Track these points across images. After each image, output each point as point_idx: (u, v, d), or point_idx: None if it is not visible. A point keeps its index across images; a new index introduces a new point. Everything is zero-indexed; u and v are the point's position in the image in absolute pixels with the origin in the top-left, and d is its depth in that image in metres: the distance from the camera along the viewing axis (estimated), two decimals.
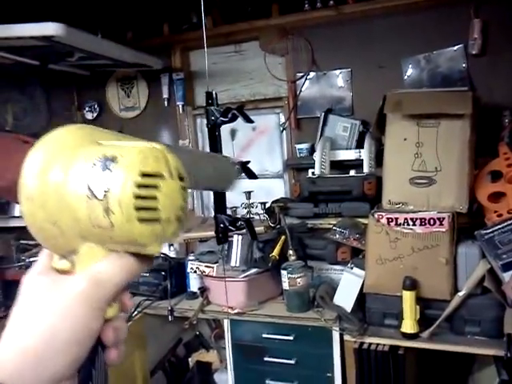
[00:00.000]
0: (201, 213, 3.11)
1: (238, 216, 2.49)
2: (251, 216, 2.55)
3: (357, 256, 2.26)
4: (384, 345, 2.01)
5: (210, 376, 2.69)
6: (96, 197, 0.41)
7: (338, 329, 2.07)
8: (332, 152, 2.51)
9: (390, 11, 2.48)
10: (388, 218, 2.03)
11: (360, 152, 2.47)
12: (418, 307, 1.92)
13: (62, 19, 2.06)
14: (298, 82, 2.75)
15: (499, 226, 1.86)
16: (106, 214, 0.41)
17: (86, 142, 0.44)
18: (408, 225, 2.00)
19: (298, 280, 2.17)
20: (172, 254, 2.68)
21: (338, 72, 2.68)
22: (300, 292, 2.18)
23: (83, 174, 0.42)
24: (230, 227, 1.36)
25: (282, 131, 2.84)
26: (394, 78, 2.51)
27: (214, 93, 1.35)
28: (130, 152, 0.42)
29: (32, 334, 0.41)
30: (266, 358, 2.22)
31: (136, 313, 2.35)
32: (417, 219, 1.98)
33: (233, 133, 2.94)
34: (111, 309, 0.45)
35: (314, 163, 2.47)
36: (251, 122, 1.35)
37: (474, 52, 2.35)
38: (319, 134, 2.62)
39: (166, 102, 3.04)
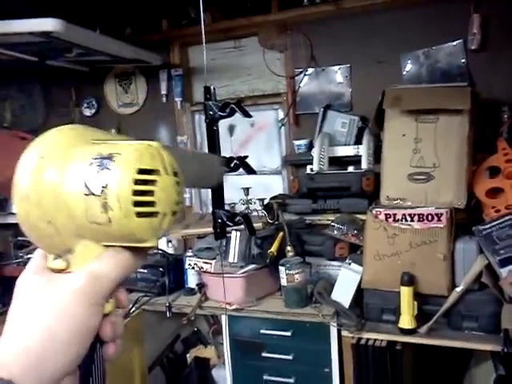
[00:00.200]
0: (199, 209, 3.11)
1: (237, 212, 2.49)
2: (249, 211, 2.54)
3: (355, 252, 2.26)
4: (382, 340, 2.01)
5: (208, 372, 2.70)
6: (93, 193, 0.42)
7: (335, 324, 2.07)
8: (330, 148, 2.51)
9: (389, 6, 2.47)
10: (386, 214, 2.03)
11: (358, 148, 2.46)
12: (415, 303, 1.92)
13: (61, 15, 2.06)
14: (296, 78, 2.75)
15: (497, 222, 1.86)
16: (104, 210, 0.42)
17: (79, 142, 0.45)
18: (406, 221, 2.00)
19: (296, 276, 2.17)
20: (170, 250, 2.68)
21: (336, 68, 2.67)
22: (298, 288, 2.18)
23: (80, 173, 0.42)
24: (228, 222, 1.37)
25: (281, 127, 2.84)
26: (393, 73, 2.51)
27: (212, 87, 1.34)
28: (126, 150, 0.43)
29: (32, 335, 0.41)
30: (263, 354, 2.22)
31: (134, 309, 2.35)
32: (415, 215, 1.98)
33: (231, 129, 2.93)
34: (108, 304, 0.45)
35: (313, 159, 2.47)
36: (249, 116, 1.35)
37: (473, 47, 2.34)
38: (318, 130, 2.62)
39: (164, 98, 3.04)
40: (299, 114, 2.77)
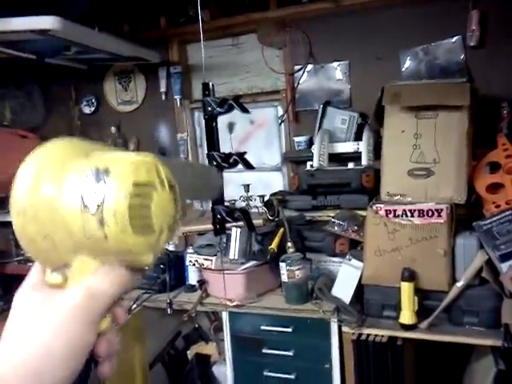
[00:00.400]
0: (199, 206, 3.11)
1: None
2: (249, 208, 2.54)
3: (355, 248, 2.26)
4: (382, 336, 2.02)
5: (208, 368, 2.70)
6: (90, 209, 0.41)
7: (336, 320, 2.08)
8: (330, 144, 2.51)
9: (388, 3, 2.47)
10: (386, 210, 2.03)
11: (358, 144, 2.46)
12: (416, 298, 1.93)
13: (59, 13, 2.05)
14: (295, 75, 2.74)
15: (497, 217, 1.87)
16: (101, 226, 0.41)
17: (75, 155, 0.44)
18: (406, 216, 2.00)
19: (297, 272, 2.17)
20: (171, 247, 2.69)
21: (335, 64, 2.67)
22: (298, 284, 2.19)
23: (76, 187, 0.42)
24: (227, 218, 1.37)
25: (280, 124, 2.84)
26: (392, 70, 2.50)
27: (210, 84, 1.35)
28: (122, 163, 0.43)
29: (29, 349, 0.41)
30: (264, 350, 2.23)
31: (135, 306, 2.35)
32: (415, 211, 1.98)
33: (231, 126, 2.93)
34: (104, 321, 0.45)
35: (313, 156, 2.47)
36: (247, 112, 1.35)
37: (472, 44, 2.34)
38: (317, 126, 2.62)
39: (163, 96, 3.03)
40: (299, 111, 2.77)
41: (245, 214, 1.39)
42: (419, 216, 1.97)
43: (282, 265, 2.19)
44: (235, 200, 2.65)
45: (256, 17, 2.71)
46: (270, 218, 2.46)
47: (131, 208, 0.42)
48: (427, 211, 1.96)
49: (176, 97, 2.98)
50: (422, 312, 1.95)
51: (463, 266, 1.94)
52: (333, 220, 2.29)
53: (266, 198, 2.57)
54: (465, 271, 1.91)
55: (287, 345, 2.20)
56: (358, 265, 2.13)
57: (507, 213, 1.86)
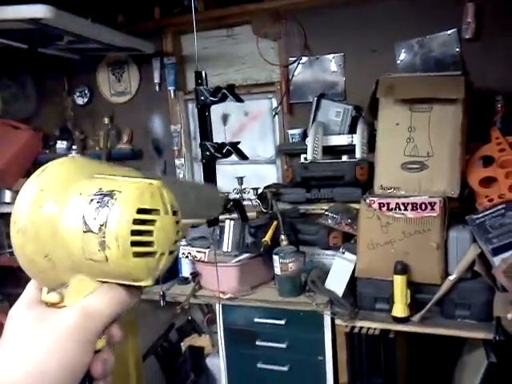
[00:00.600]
0: None
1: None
2: (243, 200, 2.54)
3: (348, 241, 2.26)
4: (375, 329, 2.02)
5: (202, 360, 2.71)
6: (91, 230, 0.42)
7: (329, 313, 2.08)
8: (324, 137, 2.50)
9: None
10: (380, 203, 2.03)
11: (352, 137, 2.46)
12: (408, 291, 1.93)
13: (51, 1, 2.03)
14: (290, 67, 2.73)
15: (490, 211, 1.87)
16: (101, 248, 0.42)
17: (80, 175, 0.44)
18: (400, 210, 2.00)
19: (290, 265, 2.17)
20: None
21: (330, 56, 2.66)
22: (292, 277, 2.19)
23: (79, 208, 0.42)
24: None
25: (274, 116, 2.82)
26: (387, 62, 2.50)
27: (203, 73, 1.34)
28: (127, 188, 0.43)
29: (23, 368, 0.40)
30: (257, 342, 2.23)
31: None
32: (408, 204, 1.98)
33: (225, 118, 2.92)
34: (100, 341, 0.45)
35: (307, 148, 2.46)
36: (241, 101, 1.34)
37: (467, 36, 2.33)
38: (312, 119, 2.61)
39: (157, 87, 3.01)
40: (293, 103, 2.76)
41: (238, 205, 1.39)
42: (412, 209, 1.97)
43: (276, 257, 2.19)
44: (229, 192, 2.65)
45: (251, 8, 2.69)
46: (264, 210, 2.45)
47: (134, 233, 0.42)
48: (420, 204, 1.96)
49: (170, 88, 2.96)
50: (415, 305, 1.96)
51: (456, 259, 1.94)
52: (326, 213, 2.29)
53: (260, 191, 2.56)
54: (457, 264, 1.92)
55: (280, 337, 2.20)
56: (351, 258, 2.13)
57: (500, 206, 1.86)
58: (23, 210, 0.43)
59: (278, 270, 2.20)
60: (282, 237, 2.23)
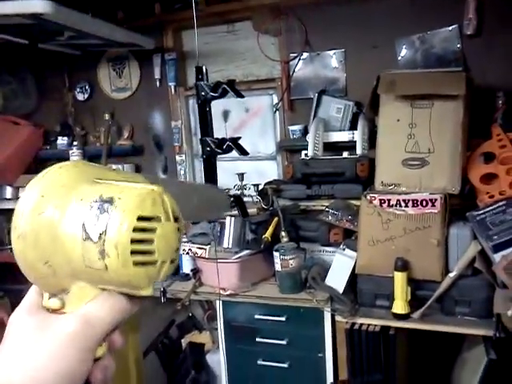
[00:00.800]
0: None
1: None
2: (243, 197, 2.53)
3: (349, 237, 2.26)
4: (375, 325, 2.02)
5: (202, 357, 2.71)
6: (91, 239, 0.41)
7: (329, 309, 2.08)
8: (325, 133, 2.50)
9: None
10: (380, 200, 2.03)
11: (353, 133, 2.45)
12: (409, 288, 1.93)
13: None
14: (291, 63, 2.72)
15: (491, 208, 1.87)
16: (101, 257, 0.41)
17: (80, 181, 0.44)
18: (400, 206, 2.00)
19: (291, 261, 2.17)
20: None
21: (331, 52, 2.65)
22: (292, 273, 2.19)
23: (79, 215, 0.42)
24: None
25: (275, 112, 2.82)
26: (388, 58, 2.49)
27: (204, 68, 1.33)
28: (127, 194, 0.42)
29: (23, 375, 0.40)
30: (258, 339, 2.23)
31: None
32: (409, 200, 1.98)
33: (225, 114, 2.91)
34: (100, 348, 0.44)
35: (307, 145, 2.45)
36: (242, 96, 1.34)
37: (468, 32, 2.32)
38: (312, 115, 2.60)
39: (158, 83, 3.01)
40: (294, 99, 2.75)
41: (238, 200, 1.39)
42: (413, 206, 1.97)
43: (276, 254, 2.19)
44: (229, 189, 2.64)
45: (252, 3, 2.68)
46: (265, 207, 2.45)
47: (134, 241, 0.41)
48: (421, 201, 1.96)
49: (170, 84, 2.96)
50: (415, 302, 1.96)
51: (456, 256, 1.94)
52: (327, 209, 2.29)
53: (261, 187, 2.56)
54: (458, 261, 1.92)
55: (280, 334, 2.20)
56: (351, 254, 2.13)
57: (501, 203, 1.86)
58: (23, 216, 0.42)
59: (278, 267, 2.19)
60: (283, 233, 2.23)
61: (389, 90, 2.06)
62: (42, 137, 3.22)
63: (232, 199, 1.22)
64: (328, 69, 2.67)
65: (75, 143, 3.10)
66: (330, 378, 2.13)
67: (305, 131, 2.64)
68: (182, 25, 2.89)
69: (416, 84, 2.07)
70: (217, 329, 2.40)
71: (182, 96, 3.02)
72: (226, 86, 1.22)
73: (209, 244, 2.35)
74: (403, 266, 1.94)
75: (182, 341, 2.80)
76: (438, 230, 1.94)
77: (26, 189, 0.44)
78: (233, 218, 2.29)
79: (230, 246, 2.29)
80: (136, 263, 0.42)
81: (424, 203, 1.96)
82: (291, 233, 2.28)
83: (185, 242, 2.43)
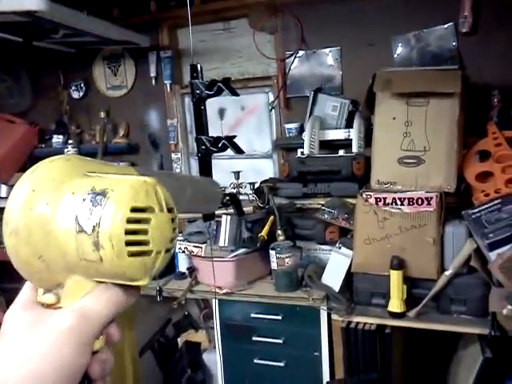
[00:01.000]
0: None
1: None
2: (239, 195, 2.53)
3: (345, 236, 2.26)
4: (371, 324, 2.02)
5: (198, 356, 2.71)
6: (85, 231, 0.41)
7: (325, 308, 2.08)
8: (321, 132, 2.49)
9: None
10: (376, 198, 2.03)
11: (349, 132, 2.45)
12: (405, 287, 1.93)
13: None
14: (287, 61, 2.71)
15: (486, 206, 1.86)
16: (96, 249, 0.41)
17: (73, 174, 0.43)
18: (396, 204, 2.00)
19: (287, 260, 2.17)
20: None
21: (327, 50, 2.64)
22: (288, 272, 2.19)
23: (72, 208, 0.41)
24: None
25: (271, 110, 2.81)
26: (384, 56, 2.48)
27: (198, 66, 1.32)
28: (120, 186, 0.42)
29: (19, 372, 0.40)
30: (254, 338, 2.23)
31: None
32: (405, 199, 1.98)
33: (221, 112, 2.91)
34: (98, 341, 0.44)
35: (303, 143, 2.45)
36: (237, 94, 1.33)
37: (464, 30, 2.32)
38: (308, 113, 2.60)
39: (153, 81, 3.00)
40: (290, 98, 2.75)
41: (234, 199, 1.38)
42: (409, 204, 1.97)
43: (272, 252, 2.19)
44: (225, 187, 2.63)
45: (248, 1, 2.68)
46: (261, 205, 2.45)
47: (128, 232, 0.41)
48: (417, 199, 1.96)
49: (166, 82, 2.94)
50: (411, 300, 1.96)
51: (452, 254, 1.94)
52: (323, 208, 2.29)
53: (257, 186, 2.55)
54: (453, 260, 1.92)
55: (277, 332, 2.20)
56: (347, 253, 2.13)
57: (496, 201, 1.86)
58: (15, 211, 0.42)
59: (274, 265, 2.19)
60: (279, 232, 2.23)
61: (385, 88, 2.06)
62: (37, 135, 3.21)
63: (227, 198, 1.21)
64: (324, 67, 2.67)
65: (70, 141, 3.09)
66: (326, 376, 2.13)
67: (301, 129, 2.63)
68: (177, 22, 2.88)
69: (412, 82, 2.07)
70: (213, 327, 2.40)
71: (178, 94, 3.01)
72: (221, 85, 1.21)
73: (205, 242, 2.35)
74: (399, 264, 1.94)
75: (178, 340, 2.80)
76: (433, 228, 1.94)
77: (16, 184, 0.43)
78: (229, 217, 2.29)
79: (226, 245, 2.29)
80: (131, 254, 0.41)
81: (420, 201, 1.96)
82: (287, 231, 2.28)
83: (181, 241, 2.42)
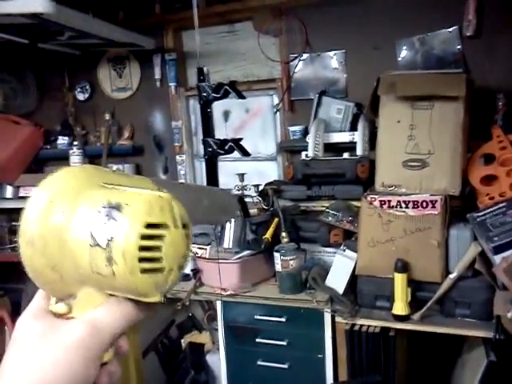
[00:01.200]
0: None
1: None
2: (244, 197, 2.54)
3: (349, 238, 2.26)
4: (375, 326, 2.02)
5: (202, 357, 2.71)
6: (99, 245, 0.41)
7: (329, 310, 2.08)
8: (326, 134, 2.50)
9: None
10: (381, 201, 2.03)
11: (354, 134, 2.45)
12: (409, 289, 1.93)
13: None
14: (291, 64, 2.72)
15: (491, 209, 1.87)
16: (109, 263, 0.41)
17: (88, 185, 0.43)
18: (401, 207, 2.00)
19: (291, 262, 2.17)
20: None
21: (332, 53, 2.65)
22: (292, 274, 2.19)
23: (87, 221, 0.41)
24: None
25: (276, 113, 2.82)
26: (389, 59, 2.49)
27: (205, 69, 1.34)
28: (135, 201, 0.42)
29: (31, 381, 0.40)
30: (258, 340, 2.23)
31: None
32: (409, 202, 1.98)
33: (226, 114, 2.91)
34: (107, 354, 0.44)
35: (308, 146, 2.45)
36: (243, 97, 1.34)
37: (468, 34, 2.33)
38: (313, 116, 2.61)
39: (158, 83, 3.01)
40: (294, 100, 2.75)
41: (241, 201, 1.39)
42: (413, 207, 1.97)
43: (276, 255, 2.19)
44: (230, 189, 2.64)
45: (252, 4, 2.68)
46: (265, 207, 2.45)
47: (141, 249, 0.41)
48: (421, 202, 1.96)
49: (171, 84, 2.96)
50: (415, 303, 1.96)
51: (457, 257, 1.94)
52: (327, 210, 2.29)
53: (261, 188, 2.56)
54: (458, 263, 1.92)
55: (281, 334, 2.20)
56: (351, 255, 2.13)
57: (501, 205, 1.86)
58: (31, 222, 0.42)
59: (278, 267, 2.20)
60: (283, 234, 2.23)
61: (389, 91, 2.06)
62: (43, 136, 3.22)
63: (238, 200, 1.22)
64: (328, 70, 2.67)
65: (75, 143, 3.10)
66: (329, 378, 2.13)
67: (305, 132, 2.64)
68: (182, 25, 2.89)
69: (416, 85, 2.07)
70: (217, 329, 2.40)
71: (183, 96, 3.02)
72: (227, 87, 1.22)
73: (209, 244, 2.35)
74: (403, 267, 1.94)
75: (182, 341, 2.80)
76: (438, 231, 1.94)
77: (33, 193, 0.43)
78: (233, 219, 2.29)
79: (231, 247, 2.29)
80: (143, 270, 0.41)
81: (424, 204, 1.96)
82: (291, 233, 2.28)
83: None
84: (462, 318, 1.92)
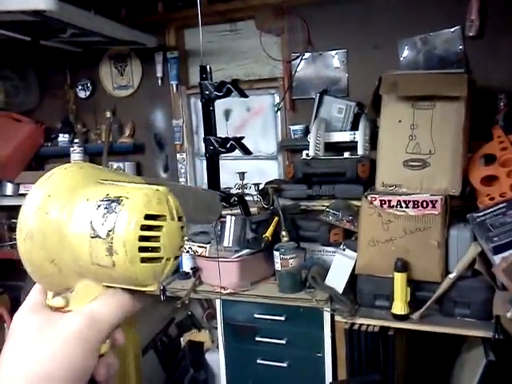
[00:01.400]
0: None
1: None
2: (244, 196, 2.54)
3: (349, 238, 2.26)
4: (374, 326, 2.03)
5: (201, 355, 2.71)
6: (99, 236, 0.42)
7: (329, 309, 2.09)
8: (326, 134, 2.50)
9: None
10: (381, 201, 2.03)
11: (355, 134, 2.45)
12: (408, 289, 1.94)
13: None
14: (293, 63, 2.72)
15: (491, 210, 1.87)
16: (109, 254, 0.42)
17: (88, 182, 0.45)
18: (401, 207, 2.00)
19: (291, 261, 2.17)
20: None
21: (333, 53, 2.65)
22: (292, 273, 2.19)
23: (86, 214, 0.43)
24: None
25: (277, 112, 2.82)
26: (390, 59, 2.49)
27: (208, 67, 1.34)
28: (134, 194, 0.44)
29: (27, 375, 0.40)
30: (257, 338, 2.23)
31: None
32: (410, 202, 1.98)
33: (227, 113, 2.91)
34: (104, 345, 0.45)
35: (309, 145, 2.46)
36: (246, 96, 1.34)
37: (470, 34, 2.32)
38: (314, 115, 2.61)
39: (159, 81, 3.01)
40: (295, 99, 2.75)
41: (241, 200, 1.39)
42: (414, 207, 1.97)
43: (276, 253, 2.19)
44: (230, 188, 2.64)
45: (254, 2, 2.68)
46: (265, 206, 2.45)
47: (141, 239, 0.42)
48: (422, 202, 1.96)
49: (172, 82, 2.96)
50: (414, 303, 1.96)
51: (456, 257, 1.94)
52: (327, 210, 2.29)
53: (261, 187, 2.56)
54: (458, 263, 1.92)
55: (280, 333, 2.20)
56: (351, 255, 2.13)
57: (501, 205, 1.86)
58: (30, 216, 0.43)
59: (278, 266, 2.20)
60: (283, 233, 2.24)
61: (391, 91, 2.06)
62: (43, 134, 3.22)
63: (235, 198, 1.22)
64: (330, 69, 2.67)
65: (76, 140, 3.10)
66: (328, 377, 2.13)
67: (306, 131, 2.64)
68: (184, 23, 2.89)
69: (418, 85, 2.07)
70: (216, 327, 2.40)
71: (184, 94, 3.03)
72: (230, 86, 1.22)
73: (209, 243, 2.35)
74: (403, 266, 1.94)
75: (181, 339, 2.80)
76: (438, 231, 1.94)
77: (31, 190, 0.44)
78: (233, 217, 2.30)
79: (231, 245, 2.30)
80: (143, 260, 0.43)
81: (424, 204, 1.96)
82: (291, 232, 2.28)
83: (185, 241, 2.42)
84: (462, 318, 1.93)
